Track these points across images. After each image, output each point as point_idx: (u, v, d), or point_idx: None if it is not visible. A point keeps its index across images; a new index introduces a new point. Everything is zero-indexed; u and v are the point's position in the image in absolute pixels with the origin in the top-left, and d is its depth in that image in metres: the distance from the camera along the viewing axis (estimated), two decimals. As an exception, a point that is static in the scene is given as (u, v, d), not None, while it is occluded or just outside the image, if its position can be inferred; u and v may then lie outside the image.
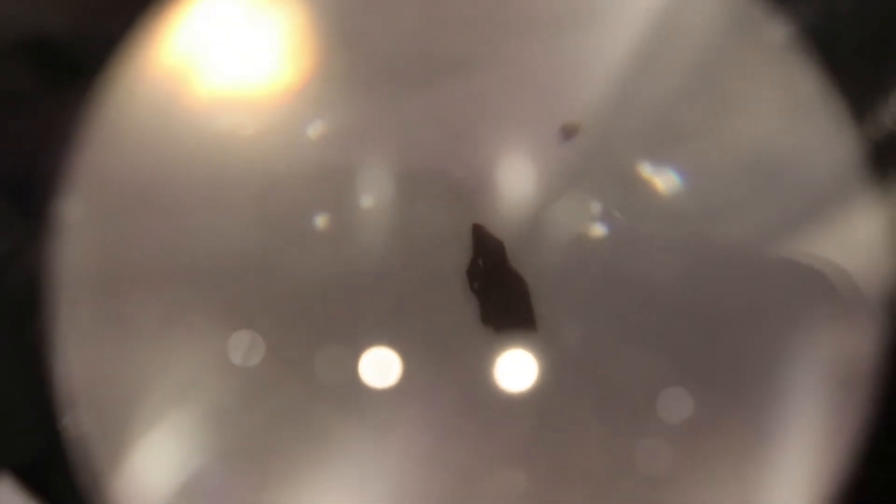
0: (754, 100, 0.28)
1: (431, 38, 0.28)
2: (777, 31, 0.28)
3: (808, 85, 0.28)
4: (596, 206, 0.28)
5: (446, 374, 0.27)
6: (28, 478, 0.26)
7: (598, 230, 0.28)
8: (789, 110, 0.28)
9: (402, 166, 0.28)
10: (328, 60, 0.28)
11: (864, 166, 0.28)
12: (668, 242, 0.28)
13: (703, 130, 0.28)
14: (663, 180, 0.28)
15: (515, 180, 0.28)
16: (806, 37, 0.28)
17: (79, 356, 0.27)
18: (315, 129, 0.28)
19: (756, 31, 0.28)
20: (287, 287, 0.28)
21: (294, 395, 0.27)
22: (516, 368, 0.27)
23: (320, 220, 0.28)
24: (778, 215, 0.28)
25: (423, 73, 0.28)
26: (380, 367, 0.27)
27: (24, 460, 0.26)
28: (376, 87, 0.28)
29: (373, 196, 0.28)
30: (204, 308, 0.28)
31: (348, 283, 0.28)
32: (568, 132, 0.28)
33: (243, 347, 0.27)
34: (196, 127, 0.28)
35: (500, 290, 0.28)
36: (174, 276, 0.28)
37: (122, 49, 0.28)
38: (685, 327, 0.27)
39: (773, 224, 0.28)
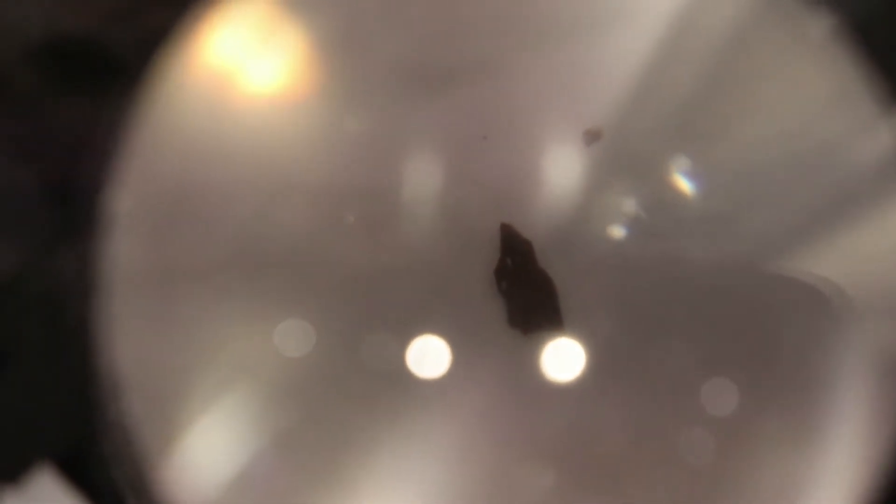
0: (788, 95, 0.28)
1: (459, 41, 0.28)
2: (812, 24, 0.28)
3: (845, 80, 0.28)
4: (623, 207, 0.28)
5: (480, 368, 0.27)
6: (70, 470, 0.27)
7: (625, 230, 0.28)
8: (824, 105, 0.28)
9: (430, 166, 0.28)
10: (361, 61, 0.28)
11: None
12: (695, 241, 0.28)
13: (733, 128, 0.28)
14: (691, 180, 0.28)
15: (542, 181, 0.28)
16: (841, 30, 0.28)
17: (126, 347, 0.28)
18: (351, 129, 0.28)
19: (790, 23, 0.28)
20: (332, 278, 0.28)
21: (341, 384, 0.27)
22: (548, 364, 0.28)
23: (354, 216, 0.28)
24: (810, 213, 0.28)
25: (450, 74, 0.28)
26: (421, 357, 0.27)
27: (65, 452, 0.27)
28: (407, 88, 0.28)
29: (402, 194, 0.28)
30: (251, 298, 0.28)
31: (382, 277, 0.28)
32: (590, 137, 0.28)
33: (291, 337, 0.28)
34: (239, 123, 0.29)
35: (527, 291, 0.28)
36: (221, 268, 0.28)
37: (166, 47, 0.29)
38: (714, 324, 0.27)
39: (805, 222, 0.28)
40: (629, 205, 0.28)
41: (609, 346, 0.27)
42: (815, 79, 0.28)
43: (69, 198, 0.29)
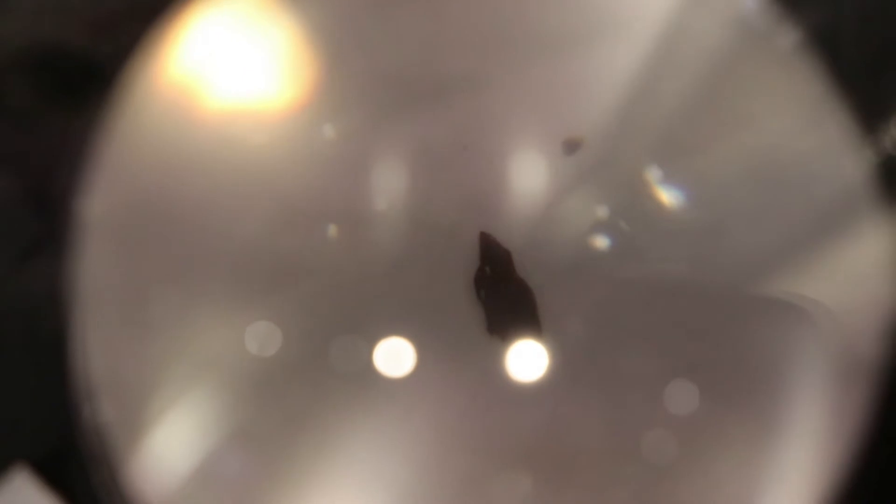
0: (762, 113, 0.29)
1: (441, 52, 0.29)
2: (785, 44, 0.28)
3: (817, 98, 0.28)
4: (602, 217, 0.28)
5: (458, 373, 0.27)
6: (44, 470, 0.27)
7: (604, 240, 0.28)
8: (797, 124, 0.29)
9: (410, 176, 0.28)
10: (339, 70, 0.29)
11: (871, 184, 0.28)
12: (671, 252, 0.28)
13: (709, 143, 0.28)
14: (669, 192, 0.28)
15: (522, 190, 0.28)
16: (813, 49, 0.28)
17: (98, 349, 0.28)
18: (327, 137, 0.29)
19: (764, 44, 0.29)
20: (308, 284, 0.28)
21: (308, 386, 0.27)
22: (525, 369, 0.28)
23: (333, 224, 0.28)
24: (783, 229, 0.28)
25: (432, 85, 0.28)
26: (391, 360, 0.27)
27: (40, 453, 0.27)
28: (387, 98, 0.28)
29: (381, 204, 0.28)
30: (222, 301, 0.28)
31: (358, 283, 0.28)
32: (570, 146, 0.28)
33: (260, 338, 0.28)
34: (218, 132, 0.29)
35: (506, 299, 0.28)
36: (192, 272, 0.28)
37: (138, 57, 0.29)
38: (686, 331, 0.28)
39: (778, 238, 0.28)
40: (608, 215, 0.28)
41: (585, 353, 0.28)
42: (792, 97, 0.29)
43: (46, 205, 0.29)
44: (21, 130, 0.30)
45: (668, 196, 0.28)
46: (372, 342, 0.27)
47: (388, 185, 0.28)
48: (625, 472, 0.27)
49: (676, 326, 0.28)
